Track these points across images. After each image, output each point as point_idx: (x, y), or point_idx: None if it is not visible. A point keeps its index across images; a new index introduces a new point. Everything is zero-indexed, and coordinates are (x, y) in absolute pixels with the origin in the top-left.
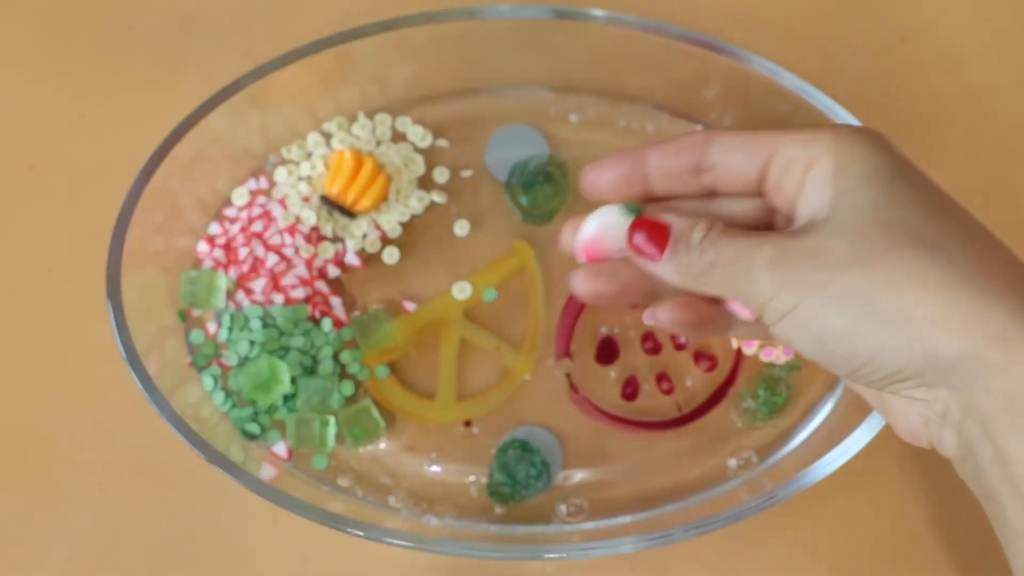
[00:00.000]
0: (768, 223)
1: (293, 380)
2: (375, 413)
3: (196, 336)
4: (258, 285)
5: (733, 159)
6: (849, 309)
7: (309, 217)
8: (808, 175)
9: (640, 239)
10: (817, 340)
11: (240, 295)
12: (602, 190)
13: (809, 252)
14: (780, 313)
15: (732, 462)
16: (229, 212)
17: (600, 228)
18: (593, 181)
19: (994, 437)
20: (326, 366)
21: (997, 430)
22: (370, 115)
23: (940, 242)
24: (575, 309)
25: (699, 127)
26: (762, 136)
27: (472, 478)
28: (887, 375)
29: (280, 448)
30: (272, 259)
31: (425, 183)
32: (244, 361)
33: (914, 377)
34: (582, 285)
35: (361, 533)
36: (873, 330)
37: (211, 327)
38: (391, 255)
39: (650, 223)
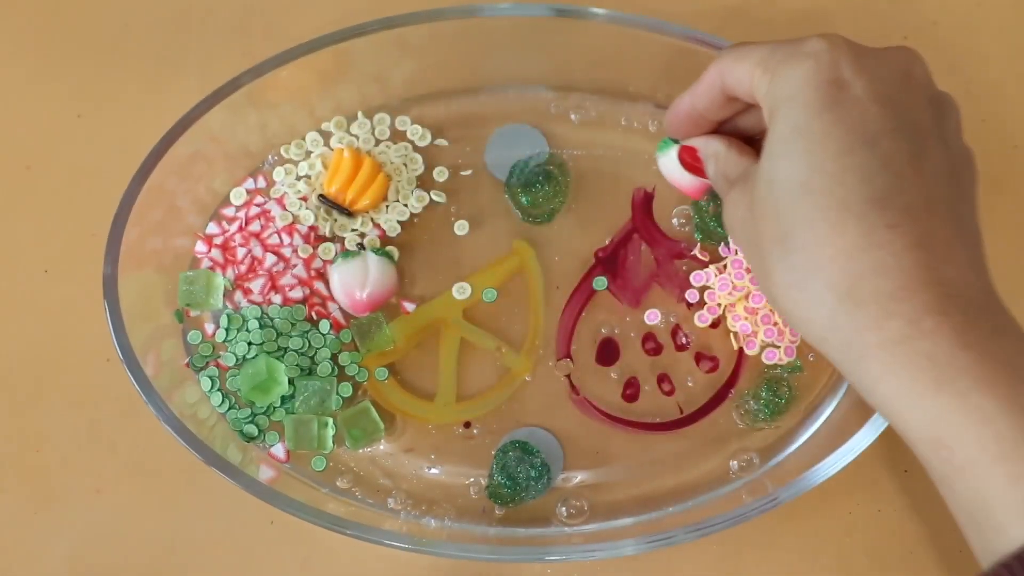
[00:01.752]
0: None
1: (291, 381)
2: (374, 414)
3: (193, 337)
4: (256, 285)
5: (732, 79)
6: (792, 279)
7: (307, 217)
8: (762, 104)
9: (686, 161)
10: (782, 312)
11: (238, 295)
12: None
13: (755, 211)
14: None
15: (734, 464)
16: (227, 212)
17: (669, 160)
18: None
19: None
20: (324, 367)
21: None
22: (369, 114)
23: (845, 203)
24: (575, 310)
25: None
26: (741, 52)
27: (472, 480)
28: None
29: (278, 450)
30: (270, 259)
31: (425, 182)
32: (242, 362)
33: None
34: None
35: (360, 535)
36: (813, 310)
37: (209, 328)
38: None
39: (684, 148)
